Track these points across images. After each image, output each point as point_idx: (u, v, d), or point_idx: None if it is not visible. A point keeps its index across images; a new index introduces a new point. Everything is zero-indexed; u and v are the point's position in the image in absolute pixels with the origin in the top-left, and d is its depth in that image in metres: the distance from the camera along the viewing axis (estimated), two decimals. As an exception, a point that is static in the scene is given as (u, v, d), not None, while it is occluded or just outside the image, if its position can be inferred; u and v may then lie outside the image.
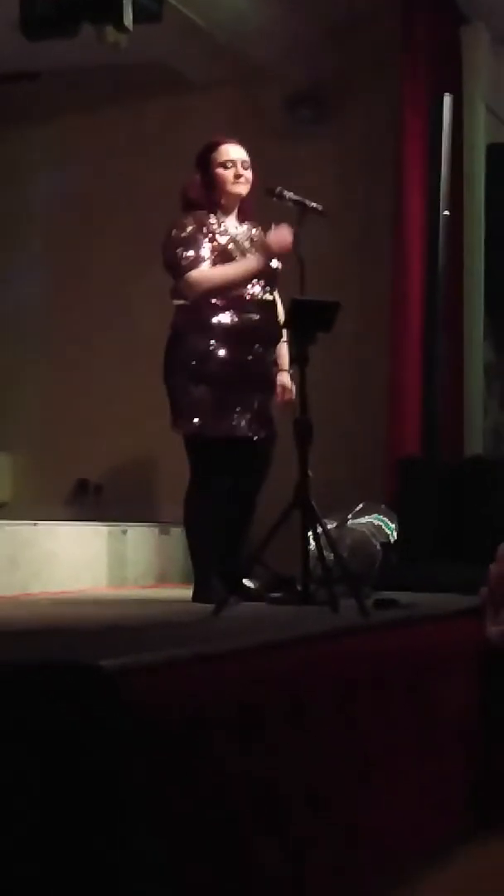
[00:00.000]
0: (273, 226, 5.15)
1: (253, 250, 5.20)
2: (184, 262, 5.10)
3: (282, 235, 5.09)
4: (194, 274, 5.10)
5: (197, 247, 5.12)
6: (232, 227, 5.24)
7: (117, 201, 7.70)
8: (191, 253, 5.11)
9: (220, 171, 5.23)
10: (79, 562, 6.13)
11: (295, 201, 5.03)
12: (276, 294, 5.29)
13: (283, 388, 5.30)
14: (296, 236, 4.99)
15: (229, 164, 5.22)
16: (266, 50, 7.18)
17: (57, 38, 5.90)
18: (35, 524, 5.93)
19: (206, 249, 5.13)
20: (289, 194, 4.99)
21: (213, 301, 5.11)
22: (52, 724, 2.37)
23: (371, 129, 7.31)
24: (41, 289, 7.98)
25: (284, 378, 5.31)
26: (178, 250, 5.12)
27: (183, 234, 5.13)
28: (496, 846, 3.75)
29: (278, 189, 5.00)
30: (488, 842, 3.78)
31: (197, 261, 5.11)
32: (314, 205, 5.09)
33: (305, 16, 6.97)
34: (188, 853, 2.49)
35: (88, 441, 7.60)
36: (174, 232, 5.15)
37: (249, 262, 5.16)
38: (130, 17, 5.73)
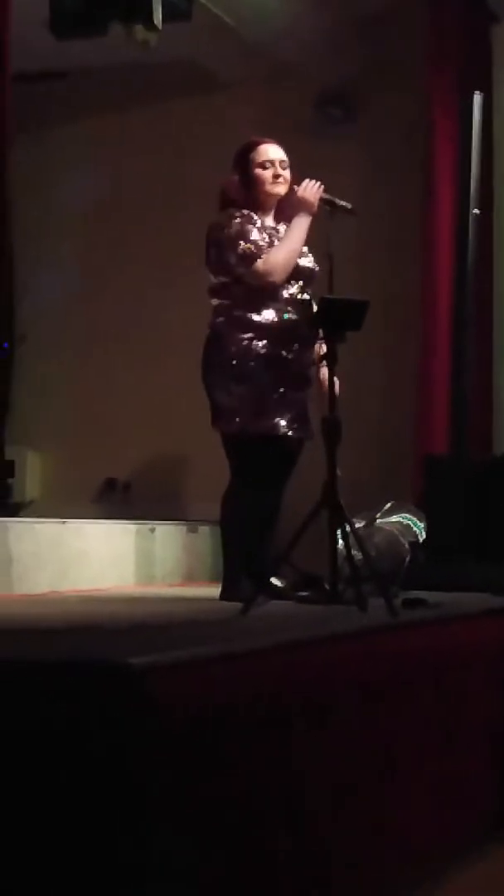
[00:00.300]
0: (296, 187, 5.13)
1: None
2: (248, 255, 5.06)
3: (311, 186, 5.09)
4: (261, 264, 5.08)
5: (252, 237, 5.11)
6: (271, 226, 5.22)
7: (146, 201, 7.71)
8: (250, 245, 5.08)
9: (258, 171, 5.21)
10: (107, 560, 6.13)
11: (325, 200, 5.05)
12: (310, 294, 5.28)
13: (324, 382, 5.25)
14: (326, 235, 4.98)
15: (268, 165, 5.21)
16: (294, 48, 7.18)
17: (86, 36, 5.90)
18: (63, 522, 5.94)
19: (261, 239, 5.13)
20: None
21: (254, 300, 5.09)
22: (79, 722, 2.37)
23: (400, 128, 7.30)
24: (71, 289, 7.99)
25: (325, 372, 5.27)
26: (236, 244, 5.07)
27: (235, 229, 5.09)
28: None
29: (304, 182, 5.04)
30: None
31: (259, 250, 5.09)
32: (344, 203, 5.09)
33: (334, 13, 6.97)
34: (212, 852, 2.49)
35: (116, 440, 7.61)
36: (225, 229, 5.11)
37: (299, 225, 5.12)
38: (160, 15, 5.75)
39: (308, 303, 5.22)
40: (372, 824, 3.16)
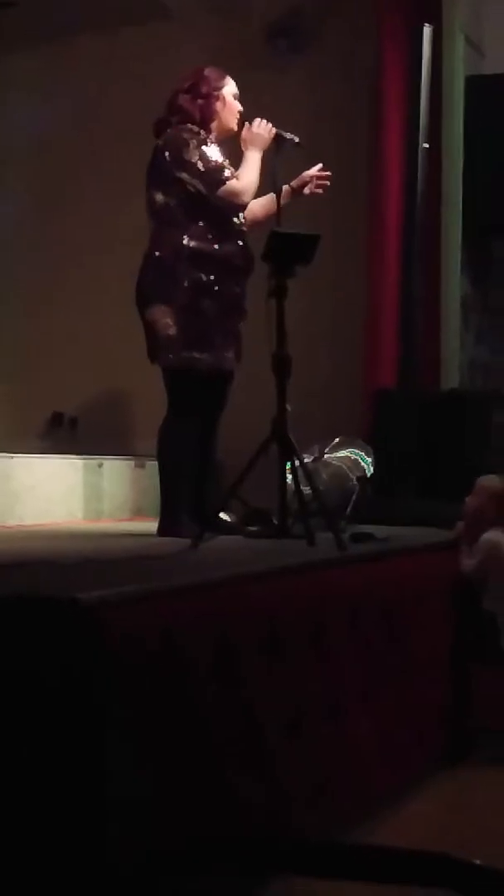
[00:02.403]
0: (248, 123, 5.11)
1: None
2: (215, 174, 5.02)
3: (263, 124, 5.08)
4: (236, 183, 5.05)
5: (218, 158, 5.07)
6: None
7: (92, 132, 7.62)
8: (214, 164, 5.04)
9: (233, 101, 5.18)
10: (54, 494, 6.12)
11: (275, 135, 5.03)
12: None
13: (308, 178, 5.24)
14: (273, 168, 4.96)
15: (236, 98, 5.18)
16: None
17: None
18: (10, 457, 5.91)
19: (224, 162, 5.08)
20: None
21: (200, 228, 5.04)
22: (30, 658, 2.37)
23: (349, 60, 7.23)
24: (15, 221, 7.90)
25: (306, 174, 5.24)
26: (203, 163, 5.03)
27: (199, 149, 5.05)
28: (470, 774, 3.80)
29: (256, 120, 5.02)
30: (463, 770, 3.83)
31: (224, 170, 5.05)
32: (291, 136, 5.07)
33: None
34: (168, 786, 2.50)
35: (63, 374, 7.56)
36: (186, 147, 5.04)
37: (254, 158, 5.12)
38: None
39: (246, 232, 5.18)
40: (325, 757, 3.19)
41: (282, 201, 4.96)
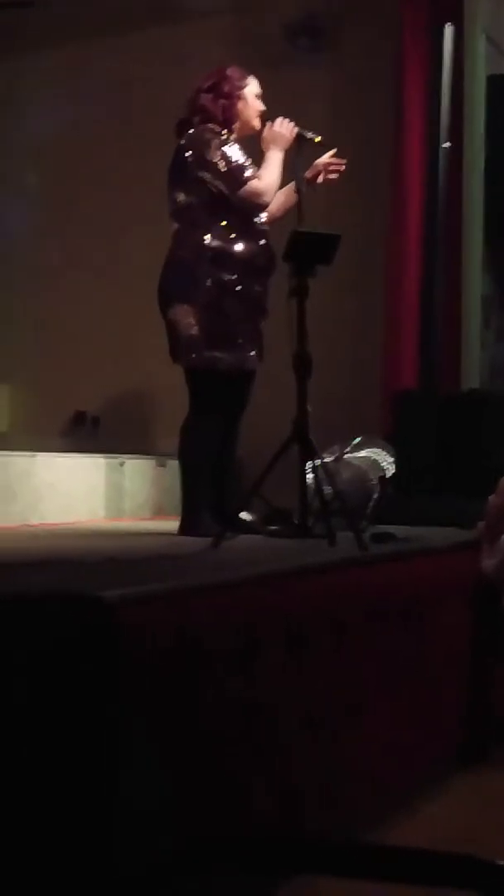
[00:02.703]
0: (269, 123, 5.12)
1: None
2: (237, 174, 5.03)
3: (285, 123, 5.08)
4: (258, 184, 5.05)
5: (240, 158, 5.07)
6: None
7: (112, 131, 7.63)
8: (236, 164, 5.05)
9: (256, 101, 5.18)
10: (76, 493, 6.14)
11: (297, 134, 5.04)
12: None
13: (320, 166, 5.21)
14: (295, 167, 4.98)
15: (258, 97, 5.19)
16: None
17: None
18: (33, 455, 5.93)
19: (246, 161, 5.09)
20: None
21: (222, 228, 5.06)
22: (53, 655, 2.38)
23: (370, 59, 7.23)
24: (37, 220, 7.92)
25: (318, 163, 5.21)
26: (224, 163, 5.03)
27: (222, 148, 5.05)
28: (489, 774, 3.80)
29: (278, 119, 5.06)
30: (481, 770, 3.83)
31: (246, 170, 5.05)
32: (313, 135, 5.07)
33: None
34: (184, 783, 2.51)
35: (86, 373, 7.58)
36: (209, 146, 5.05)
37: (276, 158, 5.12)
38: None
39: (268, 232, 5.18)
40: (342, 756, 3.19)
41: (297, 195, 4.97)
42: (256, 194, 5.05)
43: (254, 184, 5.04)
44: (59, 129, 7.87)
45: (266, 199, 5.08)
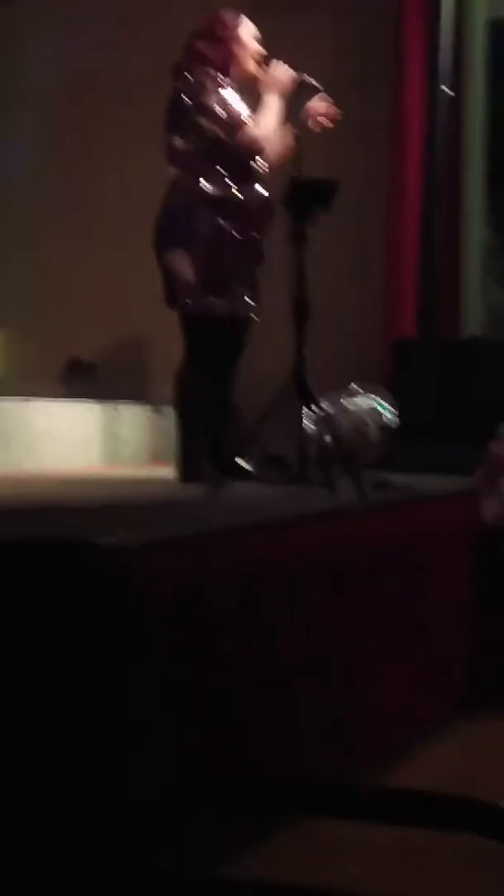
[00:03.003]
0: (266, 67, 5.05)
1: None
2: (235, 120, 4.95)
3: (281, 69, 5.02)
4: (256, 131, 4.99)
5: (237, 103, 5.01)
6: None
7: (112, 73, 7.56)
8: (232, 110, 4.98)
9: (254, 45, 5.11)
10: (72, 439, 6.12)
11: (295, 80, 4.98)
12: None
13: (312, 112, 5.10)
14: (294, 114, 4.93)
15: (254, 42, 5.11)
16: None
17: None
18: (27, 401, 5.90)
19: (242, 106, 5.03)
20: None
21: (219, 173, 5.01)
22: (56, 602, 2.37)
23: (369, 3, 7.15)
24: (34, 164, 7.87)
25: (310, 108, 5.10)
26: (221, 108, 4.96)
27: (218, 93, 4.97)
28: (491, 722, 3.81)
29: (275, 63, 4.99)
30: (484, 718, 3.84)
31: (243, 116, 4.99)
32: (309, 80, 5.01)
33: None
34: (192, 728, 2.52)
35: (80, 319, 7.55)
36: (205, 90, 4.97)
37: (274, 103, 5.04)
38: None
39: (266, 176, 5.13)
40: (343, 702, 3.20)
41: (295, 142, 4.92)
42: (254, 140, 4.99)
43: (251, 129, 4.98)
44: (59, 72, 7.79)
45: (263, 144, 5.02)
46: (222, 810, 2.55)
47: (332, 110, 5.09)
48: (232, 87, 5.07)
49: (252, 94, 5.12)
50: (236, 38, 5.09)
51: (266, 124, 5.01)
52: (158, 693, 2.43)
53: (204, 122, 4.98)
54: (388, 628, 3.58)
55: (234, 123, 4.97)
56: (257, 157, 5.06)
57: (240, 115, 4.99)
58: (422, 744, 3.49)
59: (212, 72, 5.02)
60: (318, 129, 5.10)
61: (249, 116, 5.02)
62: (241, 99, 5.09)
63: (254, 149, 5.01)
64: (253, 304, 5.15)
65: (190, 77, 5.03)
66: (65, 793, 2.31)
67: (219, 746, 2.61)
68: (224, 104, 4.97)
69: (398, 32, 6.85)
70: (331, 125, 5.12)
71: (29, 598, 2.40)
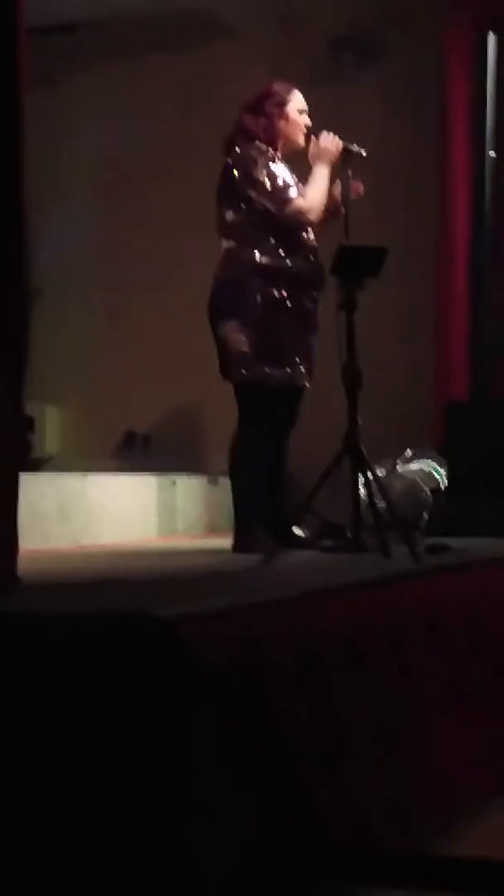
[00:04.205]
0: (314, 137, 5.11)
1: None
2: (282, 192, 5.02)
3: (330, 138, 5.07)
4: (302, 202, 5.04)
5: (285, 176, 5.07)
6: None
7: (160, 151, 7.65)
8: (280, 183, 5.04)
9: (296, 117, 5.17)
10: (129, 513, 6.13)
11: (343, 148, 5.04)
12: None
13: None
14: (340, 180, 4.98)
15: (302, 113, 5.18)
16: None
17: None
18: (85, 475, 5.94)
19: (290, 178, 5.09)
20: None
21: (270, 244, 5.06)
22: (115, 674, 2.39)
23: (415, 71, 7.21)
24: (87, 240, 7.95)
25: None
26: (269, 180, 5.03)
27: (266, 166, 5.04)
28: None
29: (323, 133, 5.06)
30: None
31: (290, 188, 5.05)
32: (359, 149, 5.07)
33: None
34: (252, 798, 2.51)
35: (135, 392, 7.59)
36: (254, 164, 5.04)
37: (322, 174, 5.10)
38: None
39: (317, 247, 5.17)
40: (408, 768, 3.16)
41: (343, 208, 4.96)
42: (301, 212, 5.05)
43: (298, 202, 5.04)
44: (111, 148, 7.87)
45: (311, 216, 5.07)
46: (286, 881, 2.53)
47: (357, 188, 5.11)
48: (280, 160, 5.13)
49: (301, 164, 5.17)
50: (284, 113, 5.16)
51: (312, 196, 5.07)
52: (217, 762, 2.42)
53: (253, 194, 5.04)
54: (452, 692, 3.54)
55: (282, 196, 5.03)
56: (307, 228, 5.11)
57: (287, 188, 5.04)
58: (487, 811, 3.44)
59: (260, 146, 5.10)
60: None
61: (297, 188, 5.07)
62: (290, 169, 5.15)
63: (301, 221, 5.06)
64: (308, 373, 5.17)
65: (239, 151, 5.10)
66: (127, 862, 2.31)
67: (278, 808, 2.59)
68: (272, 177, 5.03)
69: (444, 98, 6.90)
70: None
71: (89, 671, 2.41)
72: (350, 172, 5.01)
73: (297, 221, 5.06)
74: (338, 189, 5.09)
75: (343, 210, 4.99)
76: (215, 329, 5.14)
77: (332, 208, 5.14)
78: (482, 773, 3.51)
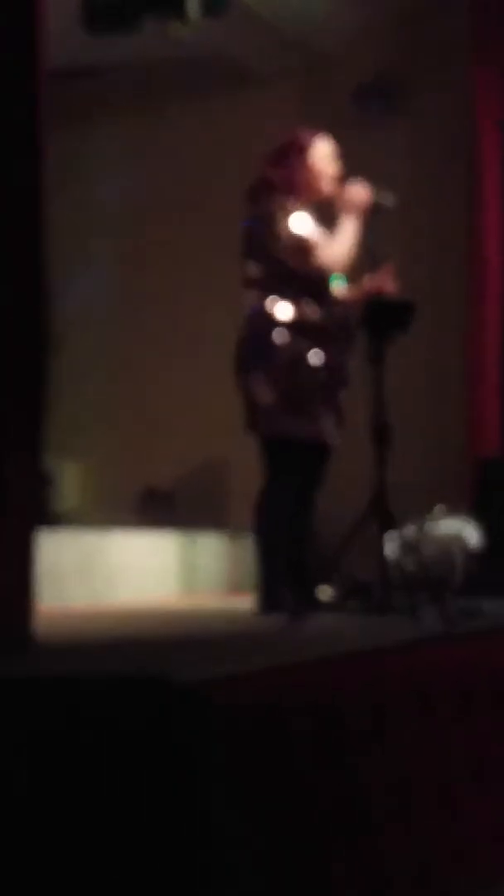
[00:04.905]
0: (345, 186, 5.05)
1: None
2: (305, 246, 4.94)
3: (358, 189, 5.01)
4: (324, 255, 4.97)
5: (308, 229, 5.00)
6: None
7: (183, 198, 7.65)
8: (302, 236, 4.96)
9: (322, 166, 5.10)
10: (149, 570, 6.09)
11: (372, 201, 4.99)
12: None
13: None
14: (369, 231, 4.90)
15: (327, 161, 5.10)
16: (333, 39, 7.20)
17: (120, 32, 5.86)
18: (104, 532, 5.88)
19: (314, 231, 5.02)
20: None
21: (296, 297, 4.98)
22: (136, 739, 2.36)
23: (443, 119, 7.23)
24: (107, 290, 7.95)
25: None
26: (291, 234, 4.95)
27: (289, 219, 4.96)
28: None
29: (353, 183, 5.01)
30: None
31: (313, 242, 4.98)
32: (388, 202, 5.00)
33: (372, 3, 6.92)
34: (271, 863, 2.48)
35: (156, 448, 7.58)
36: (277, 218, 4.96)
37: (349, 226, 5.03)
38: (195, 9, 5.69)
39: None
40: (433, 838, 3.11)
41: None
42: (321, 267, 4.97)
43: (319, 256, 4.96)
44: (135, 194, 7.92)
45: (332, 270, 4.99)
46: None
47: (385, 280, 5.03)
48: (304, 210, 5.05)
49: (330, 212, 5.10)
50: (309, 161, 5.08)
51: (336, 249, 4.99)
52: (240, 827, 2.39)
53: (275, 248, 4.96)
54: (480, 761, 3.47)
55: (303, 250, 4.95)
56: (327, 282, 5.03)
57: (308, 241, 4.96)
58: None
59: (282, 198, 5.02)
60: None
61: (321, 239, 4.99)
62: (316, 219, 5.07)
63: (322, 275, 4.97)
64: (336, 427, 5.06)
65: (260, 204, 5.04)
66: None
67: (300, 876, 2.55)
68: (292, 232, 4.95)
69: (473, 145, 6.87)
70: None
71: (108, 737, 2.38)
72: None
73: (318, 275, 4.98)
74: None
75: (373, 259, 4.91)
76: (240, 382, 5.06)
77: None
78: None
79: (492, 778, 3.53)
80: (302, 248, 4.97)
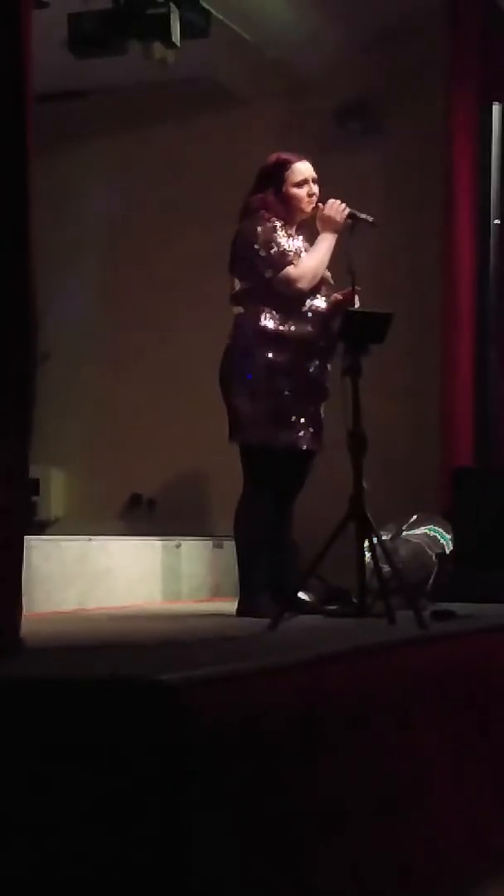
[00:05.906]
0: (321, 205, 5.16)
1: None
2: (278, 259, 5.08)
3: (336, 206, 5.12)
4: (292, 270, 5.09)
5: (283, 243, 5.11)
6: (299, 244, 5.22)
7: (166, 218, 7.71)
8: (281, 250, 5.09)
9: (295, 190, 5.21)
10: (133, 576, 6.12)
11: (349, 215, 5.09)
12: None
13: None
14: (347, 248, 5.01)
15: (303, 184, 5.21)
16: (312, 62, 7.20)
17: (104, 55, 5.91)
18: (89, 539, 5.93)
19: (291, 246, 5.13)
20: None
21: (278, 311, 5.10)
22: (117, 739, 2.38)
23: (420, 139, 7.30)
24: (93, 304, 8.00)
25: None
26: (268, 248, 5.09)
27: (267, 234, 5.10)
28: None
29: (330, 201, 5.11)
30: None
31: (287, 256, 5.10)
32: (366, 216, 5.11)
33: (352, 27, 6.98)
34: (253, 862, 2.50)
35: (140, 456, 7.61)
36: (257, 233, 5.10)
37: (325, 242, 5.16)
38: (178, 33, 5.76)
39: (327, 314, 5.20)
40: (410, 837, 3.14)
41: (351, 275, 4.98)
42: (289, 280, 5.09)
43: (288, 270, 5.08)
44: (118, 213, 7.94)
45: (299, 285, 5.11)
46: None
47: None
48: (287, 229, 5.17)
49: (311, 230, 5.21)
50: (290, 182, 5.20)
51: (307, 264, 5.10)
52: (220, 826, 2.41)
53: (254, 264, 5.10)
54: (455, 759, 3.51)
55: (277, 264, 5.07)
56: (315, 293, 5.14)
57: (285, 255, 5.08)
58: (486, 882, 3.40)
59: (266, 214, 5.14)
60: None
61: (295, 257, 5.10)
62: (297, 236, 5.18)
63: (291, 289, 5.09)
64: (315, 437, 5.18)
65: (247, 220, 5.16)
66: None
67: (281, 877, 2.58)
68: (271, 246, 5.08)
69: (448, 167, 6.95)
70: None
71: (91, 736, 2.40)
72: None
73: (286, 289, 5.09)
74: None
75: (352, 275, 5.00)
76: (224, 393, 5.18)
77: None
78: (485, 843, 3.48)
79: (464, 774, 3.62)
80: (276, 261, 5.08)
